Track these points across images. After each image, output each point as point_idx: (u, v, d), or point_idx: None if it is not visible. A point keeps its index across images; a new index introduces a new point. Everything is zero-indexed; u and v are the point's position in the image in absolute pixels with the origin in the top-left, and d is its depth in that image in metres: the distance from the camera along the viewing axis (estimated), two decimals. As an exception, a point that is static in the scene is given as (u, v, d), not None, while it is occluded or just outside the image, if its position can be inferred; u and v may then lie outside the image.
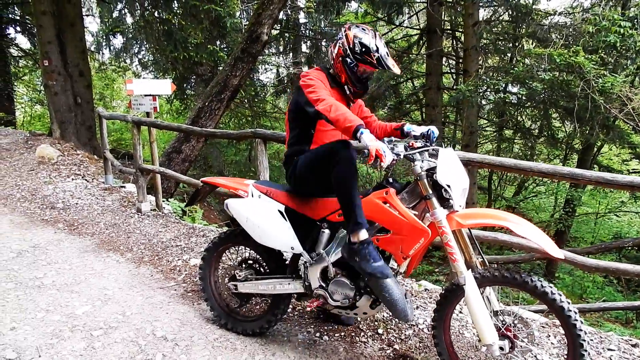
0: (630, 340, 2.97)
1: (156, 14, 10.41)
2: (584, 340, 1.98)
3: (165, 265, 4.09)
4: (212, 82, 8.42)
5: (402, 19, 12.56)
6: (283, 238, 2.53)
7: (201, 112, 8.04)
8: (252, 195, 2.70)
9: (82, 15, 9.99)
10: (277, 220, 2.55)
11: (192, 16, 10.07)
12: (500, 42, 10.29)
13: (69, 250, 4.37)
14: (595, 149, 11.30)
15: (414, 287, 3.69)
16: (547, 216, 13.39)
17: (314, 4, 11.16)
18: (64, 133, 9.16)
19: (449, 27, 11.57)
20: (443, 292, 2.34)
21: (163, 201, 6.16)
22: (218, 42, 11.22)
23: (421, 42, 11.91)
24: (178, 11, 10.49)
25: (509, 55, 10.36)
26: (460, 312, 3.19)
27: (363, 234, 2.23)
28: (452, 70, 12.89)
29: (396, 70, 2.41)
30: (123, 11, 11.89)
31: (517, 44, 9.75)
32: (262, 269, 2.87)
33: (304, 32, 13.16)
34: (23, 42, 16.32)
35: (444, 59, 12.05)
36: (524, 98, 9.52)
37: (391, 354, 2.70)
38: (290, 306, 3.12)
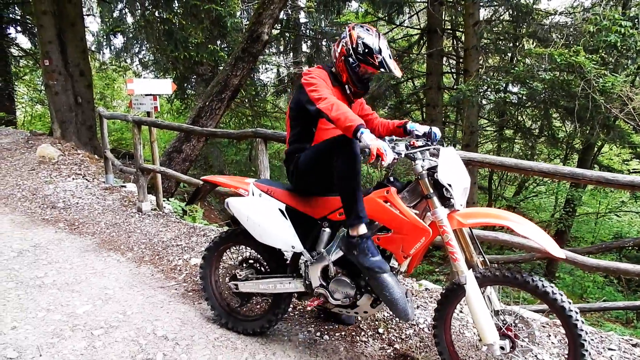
0: (631, 340, 2.97)
1: (157, 14, 10.41)
2: (585, 340, 1.98)
3: (165, 264, 4.10)
4: (213, 82, 8.42)
5: (402, 19, 12.56)
6: (284, 237, 2.53)
7: (202, 112, 8.04)
8: (253, 194, 2.70)
9: (83, 15, 10.01)
10: (277, 219, 2.55)
11: (192, 16, 10.07)
12: (500, 42, 10.29)
13: (70, 250, 4.38)
14: (596, 149, 11.29)
15: (415, 286, 3.69)
16: (548, 216, 13.39)
17: (315, 4, 11.15)
18: (65, 133, 9.16)
19: (449, 27, 11.57)
20: (444, 291, 2.34)
21: (164, 201, 6.16)
22: (219, 42, 11.22)
23: (422, 41, 11.91)
24: (178, 11, 10.48)
25: (510, 55, 10.36)
26: (461, 311, 3.19)
27: (362, 229, 2.24)
28: (453, 70, 12.89)
29: (398, 73, 2.41)
30: (123, 11, 11.89)
31: (517, 44, 9.74)
32: (262, 269, 2.87)
33: (304, 31, 13.15)
34: (24, 41, 16.33)
35: (445, 58, 12.06)
36: (524, 98, 9.52)
37: (392, 354, 2.70)
38: (291, 306, 3.12)
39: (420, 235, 2.18)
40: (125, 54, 13.22)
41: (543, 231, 2.09)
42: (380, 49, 2.35)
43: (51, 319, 2.97)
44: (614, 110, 7.17)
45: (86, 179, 7.15)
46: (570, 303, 2.02)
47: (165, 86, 6.43)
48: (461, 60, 11.20)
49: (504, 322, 2.18)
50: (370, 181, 12.79)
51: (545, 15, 9.59)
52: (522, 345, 2.15)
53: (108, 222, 5.32)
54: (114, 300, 3.31)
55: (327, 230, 2.49)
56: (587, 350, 1.99)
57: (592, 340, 2.87)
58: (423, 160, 2.21)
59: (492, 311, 2.19)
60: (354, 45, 2.38)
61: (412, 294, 3.49)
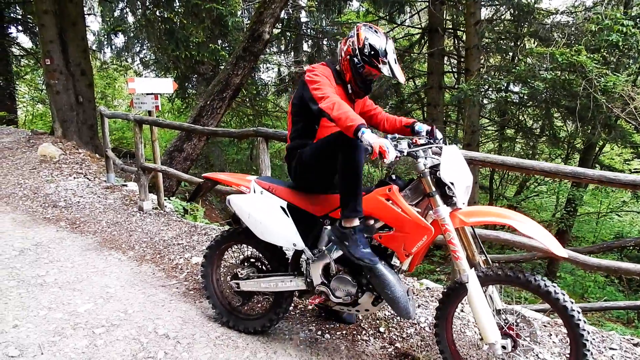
0: (632, 339, 2.96)
1: (158, 13, 10.39)
2: (587, 340, 1.98)
3: (167, 263, 4.10)
4: (214, 81, 8.42)
5: (403, 18, 12.55)
6: (285, 234, 2.53)
7: (203, 111, 8.05)
8: (254, 191, 2.69)
9: (84, 14, 10.01)
10: (279, 216, 2.55)
11: (193, 15, 10.06)
12: (502, 41, 10.27)
13: (71, 249, 4.38)
14: (597, 149, 11.27)
15: (416, 285, 3.68)
16: (549, 215, 13.36)
17: (316, 3, 11.13)
18: (66, 132, 9.17)
19: (450, 26, 11.56)
20: (445, 290, 2.34)
21: (165, 200, 6.16)
22: (220, 41, 11.20)
23: (423, 41, 11.90)
24: (179, 10, 10.47)
25: (511, 54, 10.35)
26: (462, 310, 3.19)
27: (356, 221, 2.29)
28: (454, 70, 12.88)
29: (401, 78, 2.39)
30: (124, 10, 11.88)
31: (518, 43, 9.73)
32: (264, 267, 2.87)
33: (305, 31, 13.13)
34: (25, 41, 16.35)
35: (446, 58, 12.05)
36: (525, 97, 9.52)
37: (392, 352, 2.70)
38: (292, 305, 3.12)
39: (422, 233, 2.17)
40: (126, 53, 13.22)
41: (546, 230, 2.09)
42: (386, 52, 2.34)
43: (52, 318, 2.97)
44: (616, 110, 7.16)
45: (87, 178, 7.15)
46: (572, 303, 2.02)
47: (167, 85, 6.43)
48: (462, 59, 11.19)
49: (506, 321, 2.18)
50: (371, 180, 12.78)
51: (546, 15, 9.58)
52: (523, 345, 2.15)
53: (109, 221, 5.32)
54: (115, 298, 3.31)
55: (329, 227, 2.49)
56: (588, 350, 1.99)
57: (594, 339, 2.87)
58: (425, 158, 2.21)
59: (493, 310, 2.19)
60: (360, 46, 2.36)
61: (414, 293, 3.49)
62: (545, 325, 3.02)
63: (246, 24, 10.74)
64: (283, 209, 2.57)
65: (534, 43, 9.62)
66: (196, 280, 3.68)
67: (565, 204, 11.53)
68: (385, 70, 2.34)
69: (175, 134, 10.15)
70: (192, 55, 10.02)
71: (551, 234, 2.12)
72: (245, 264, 2.92)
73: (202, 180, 3.06)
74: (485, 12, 10.92)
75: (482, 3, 10.09)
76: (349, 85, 2.51)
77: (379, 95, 11.28)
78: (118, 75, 17.66)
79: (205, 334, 2.81)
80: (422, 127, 2.57)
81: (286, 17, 12.32)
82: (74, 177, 7.11)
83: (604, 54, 7.34)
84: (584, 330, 1.98)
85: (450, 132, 13.06)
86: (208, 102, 8.05)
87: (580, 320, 1.99)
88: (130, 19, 11.84)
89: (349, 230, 2.28)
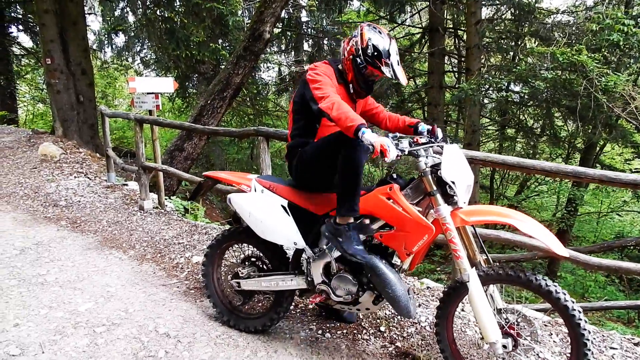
0: (633, 339, 2.96)
1: (158, 12, 10.39)
2: (588, 339, 1.98)
3: (167, 262, 4.10)
4: (215, 81, 8.42)
5: (404, 18, 12.55)
6: (286, 233, 2.53)
7: (203, 110, 8.04)
8: (255, 190, 2.69)
9: (85, 14, 10.01)
10: (280, 215, 2.55)
11: (194, 14, 10.06)
12: (502, 41, 10.26)
13: (72, 248, 4.38)
14: (598, 148, 11.26)
15: (416, 284, 3.68)
16: (549, 215, 13.35)
17: (316, 2, 11.12)
18: (67, 131, 9.17)
19: (451, 26, 11.55)
20: (446, 289, 2.34)
21: (165, 199, 6.17)
22: (220, 41, 11.19)
23: (423, 40, 11.90)
24: (180, 9, 10.47)
25: (512, 53, 10.34)
26: (463, 310, 3.19)
27: (351, 219, 2.31)
28: (455, 69, 12.87)
29: (403, 81, 2.39)
30: (125, 9, 11.87)
31: (519, 43, 9.71)
32: (264, 266, 2.87)
33: (306, 30, 13.13)
34: (25, 40, 16.36)
35: (446, 57, 12.04)
36: (526, 97, 9.50)
37: (393, 352, 2.70)
38: (293, 304, 3.12)
39: (423, 232, 2.17)
40: (126, 53, 13.21)
41: (547, 229, 2.08)
42: (389, 54, 2.33)
43: (53, 317, 2.97)
44: (616, 110, 7.15)
45: (88, 177, 7.15)
46: (573, 302, 2.02)
47: (167, 84, 6.43)
48: (463, 59, 11.18)
49: (507, 320, 2.18)
50: (371, 179, 12.77)
51: (547, 14, 9.56)
52: (524, 344, 2.15)
53: (110, 220, 5.32)
54: (116, 297, 3.31)
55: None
56: (589, 349, 1.99)
57: (595, 339, 2.87)
58: (426, 157, 2.21)
59: (494, 309, 2.19)
60: (363, 46, 2.35)
61: (414, 292, 3.49)
62: (546, 325, 3.02)
63: (247, 24, 10.72)
64: (284, 207, 2.57)
65: (534, 42, 9.61)
66: (197, 279, 3.68)
67: (565, 204, 11.52)
68: (387, 72, 2.33)
69: (175, 133, 10.15)
70: (193, 55, 10.02)
71: (552, 234, 2.12)
72: (246, 263, 2.92)
73: (203, 179, 3.06)
74: (485, 12, 10.91)
75: (483, 2, 10.08)
76: (350, 85, 2.50)
77: (380, 95, 11.26)
78: (118, 74, 17.66)
79: (206, 333, 2.82)
80: (425, 128, 2.56)
81: (287, 17, 12.32)
82: (75, 177, 7.12)
83: (605, 53, 7.33)
84: (585, 329, 1.98)
85: (451, 132, 13.05)
86: (209, 102, 8.05)
87: (581, 319, 1.99)
88: (131, 18, 11.84)
89: (343, 227, 2.30)
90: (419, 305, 3.24)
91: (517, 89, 10.13)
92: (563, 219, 10.85)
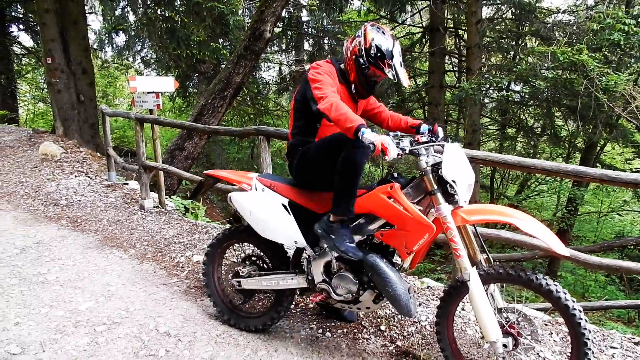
0: (633, 338, 2.96)
1: (159, 12, 10.39)
2: (588, 338, 1.98)
3: (168, 261, 4.10)
4: (215, 80, 8.42)
5: (404, 17, 12.55)
6: (287, 232, 2.53)
7: (204, 110, 8.05)
8: (256, 189, 2.69)
9: (85, 13, 10.02)
10: (280, 213, 2.55)
11: (194, 14, 10.06)
12: (503, 40, 10.26)
13: (73, 247, 4.39)
14: (598, 148, 11.26)
15: (417, 284, 3.68)
16: (550, 215, 13.34)
17: (317, 2, 11.12)
18: (67, 130, 9.18)
19: (451, 25, 11.54)
20: (447, 288, 2.34)
21: (166, 198, 6.17)
22: (221, 40, 11.19)
23: (424, 40, 11.89)
24: (181, 9, 10.47)
25: (512, 53, 10.33)
26: (463, 309, 3.19)
27: (344, 219, 2.33)
28: (455, 68, 12.87)
29: (406, 82, 2.38)
30: (125, 9, 11.86)
31: (520, 42, 9.71)
32: (265, 265, 2.87)
33: (306, 29, 13.13)
34: (26, 40, 16.39)
35: (447, 57, 12.03)
36: (526, 96, 9.50)
37: (393, 351, 2.70)
38: (293, 303, 3.12)
39: (424, 231, 2.17)
40: (127, 52, 13.22)
41: (548, 229, 2.08)
42: (392, 55, 2.32)
43: (54, 315, 2.98)
44: (617, 109, 7.14)
45: (89, 177, 7.16)
46: (574, 301, 2.02)
47: (168, 84, 6.43)
48: (463, 58, 11.18)
49: (507, 319, 2.18)
50: (372, 179, 12.77)
51: (548, 14, 9.56)
52: (524, 343, 2.15)
53: (110, 219, 5.33)
54: (117, 297, 3.32)
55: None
56: (590, 349, 1.99)
57: (595, 338, 2.87)
58: (427, 156, 2.20)
59: (495, 309, 2.18)
60: (366, 46, 2.34)
61: (414, 292, 3.49)
62: (546, 324, 3.02)
63: (247, 23, 10.73)
64: (284, 206, 2.57)
65: (535, 42, 9.61)
66: (197, 278, 3.68)
67: (566, 203, 11.52)
68: (390, 73, 2.32)
69: (176, 133, 10.15)
70: (193, 54, 10.01)
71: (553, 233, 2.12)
72: (247, 262, 2.92)
73: (204, 178, 3.06)
74: (486, 11, 10.91)
75: (484, 2, 10.07)
76: (352, 85, 2.49)
77: (381, 94, 11.27)
78: (119, 74, 17.67)
79: (206, 332, 2.82)
80: (427, 128, 2.56)
81: (287, 16, 12.32)
82: (75, 176, 7.12)
83: (606, 53, 7.32)
84: (585, 329, 1.98)
85: (452, 131, 13.05)
86: (209, 101, 8.05)
87: (581, 319, 1.99)
88: (131, 17, 11.83)
89: (336, 224, 2.32)
90: (420, 305, 3.24)
91: (517, 88, 10.12)
92: (563, 218, 10.85)
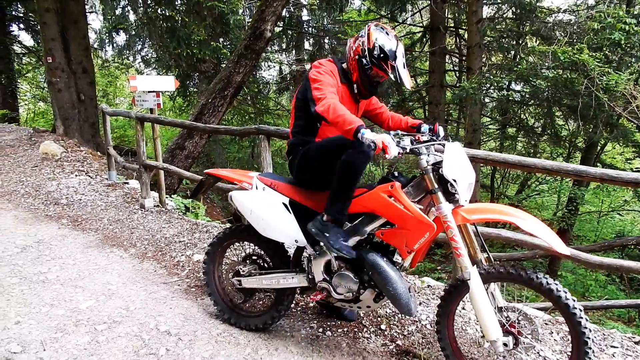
0: (633, 337, 2.96)
1: (159, 11, 10.40)
2: (589, 338, 1.98)
3: (168, 260, 4.10)
4: (216, 79, 8.42)
5: (405, 17, 12.54)
6: (287, 231, 2.53)
7: (204, 109, 8.05)
8: (257, 188, 2.69)
9: (86, 13, 10.03)
10: (281, 212, 2.55)
11: (195, 13, 10.07)
12: (504, 40, 10.25)
13: (73, 246, 4.39)
14: (599, 148, 11.25)
15: (417, 283, 3.69)
16: (550, 214, 13.34)
17: (317, 1, 11.13)
18: (68, 130, 9.18)
19: (452, 25, 11.54)
20: (447, 287, 2.34)
21: (166, 197, 6.17)
22: (221, 39, 11.20)
23: (424, 39, 11.89)
24: (181, 8, 10.48)
25: (513, 52, 10.31)
26: (463, 308, 3.19)
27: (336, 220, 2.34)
28: (456, 68, 12.86)
29: (408, 84, 2.37)
30: (126, 8, 11.88)
31: (520, 42, 9.69)
32: (265, 264, 2.87)
33: (306, 29, 13.13)
34: (26, 39, 16.38)
35: (447, 56, 12.02)
36: (527, 96, 9.49)
37: (394, 350, 2.70)
38: (293, 302, 3.12)
39: (425, 230, 2.17)
40: (127, 51, 13.23)
41: (548, 228, 2.08)
42: (396, 56, 2.31)
43: (55, 314, 2.98)
44: (618, 109, 7.14)
45: (89, 176, 7.16)
46: (574, 301, 2.02)
47: (168, 83, 6.43)
48: (464, 58, 11.17)
49: (508, 318, 2.18)
50: (372, 178, 12.76)
51: (548, 13, 9.55)
52: (525, 342, 2.15)
53: (111, 218, 5.33)
54: (117, 295, 3.32)
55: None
56: (590, 348, 1.99)
57: (595, 337, 2.87)
58: (428, 155, 2.20)
59: (495, 308, 2.18)
60: (370, 47, 2.33)
61: (415, 291, 3.49)
62: (546, 323, 3.02)
63: (248, 22, 10.72)
64: (285, 205, 2.57)
65: (535, 41, 9.59)
66: (198, 277, 3.69)
67: (566, 203, 11.52)
68: (392, 74, 2.32)
69: (176, 132, 10.15)
70: (194, 53, 10.01)
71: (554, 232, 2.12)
72: (247, 261, 2.92)
73: (204, 177, 3.06)
74: (487, 11, 10.89)
75: (484, 1, 10.06)
76: (355, 85, 2.48)
77: (381, 93, 11.26)
78: (119, 73, 17.69)
79: (206, 331, 2.82)
80: (427, 128, 2.56)
81: (288, 15, 12.32)
82: (76, 175, 7.12)
83: (606, 52, 7.31)
84: (586, 328, 1.98)
85: (452, 131, 13.05)
86: (209, 100, 8.05)
87: (582, 318, 1.99)
88: (132, 17, 11.85)
89: (330, 223, 2.32)
90: (420, 304, 3.24)
91: (518, 88, 10.11)
92: (564, 218, 10.85)
